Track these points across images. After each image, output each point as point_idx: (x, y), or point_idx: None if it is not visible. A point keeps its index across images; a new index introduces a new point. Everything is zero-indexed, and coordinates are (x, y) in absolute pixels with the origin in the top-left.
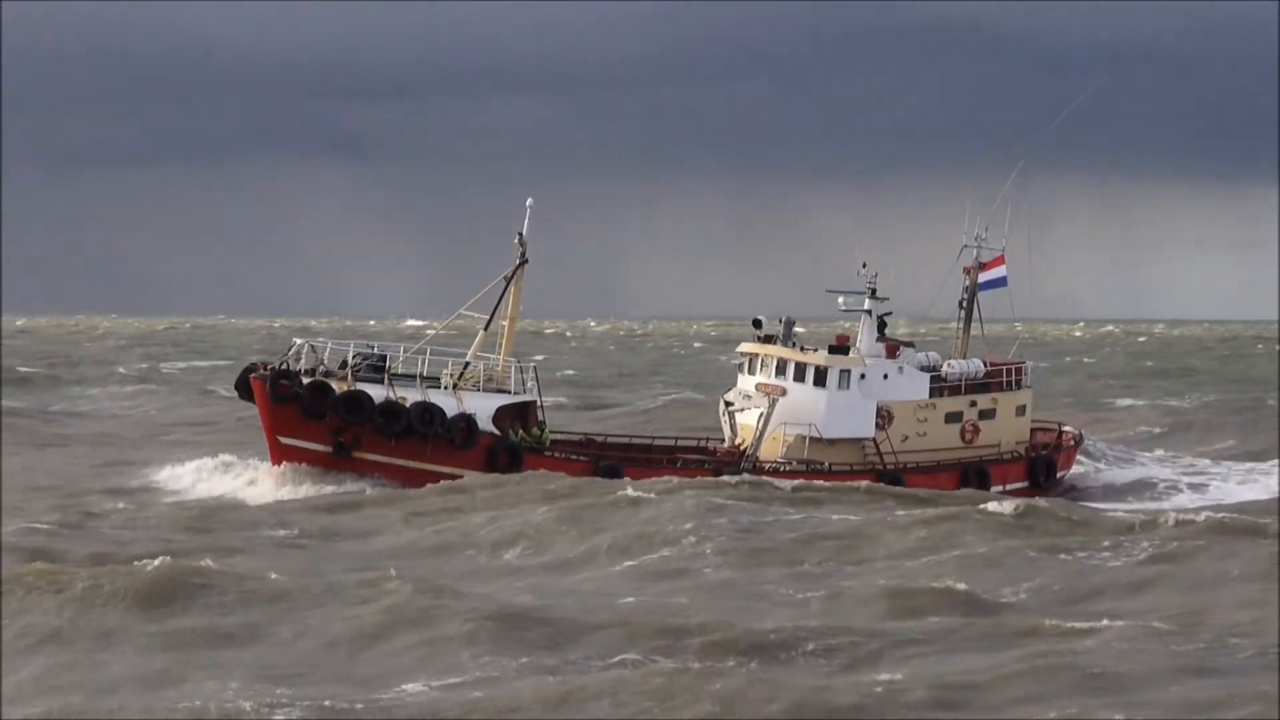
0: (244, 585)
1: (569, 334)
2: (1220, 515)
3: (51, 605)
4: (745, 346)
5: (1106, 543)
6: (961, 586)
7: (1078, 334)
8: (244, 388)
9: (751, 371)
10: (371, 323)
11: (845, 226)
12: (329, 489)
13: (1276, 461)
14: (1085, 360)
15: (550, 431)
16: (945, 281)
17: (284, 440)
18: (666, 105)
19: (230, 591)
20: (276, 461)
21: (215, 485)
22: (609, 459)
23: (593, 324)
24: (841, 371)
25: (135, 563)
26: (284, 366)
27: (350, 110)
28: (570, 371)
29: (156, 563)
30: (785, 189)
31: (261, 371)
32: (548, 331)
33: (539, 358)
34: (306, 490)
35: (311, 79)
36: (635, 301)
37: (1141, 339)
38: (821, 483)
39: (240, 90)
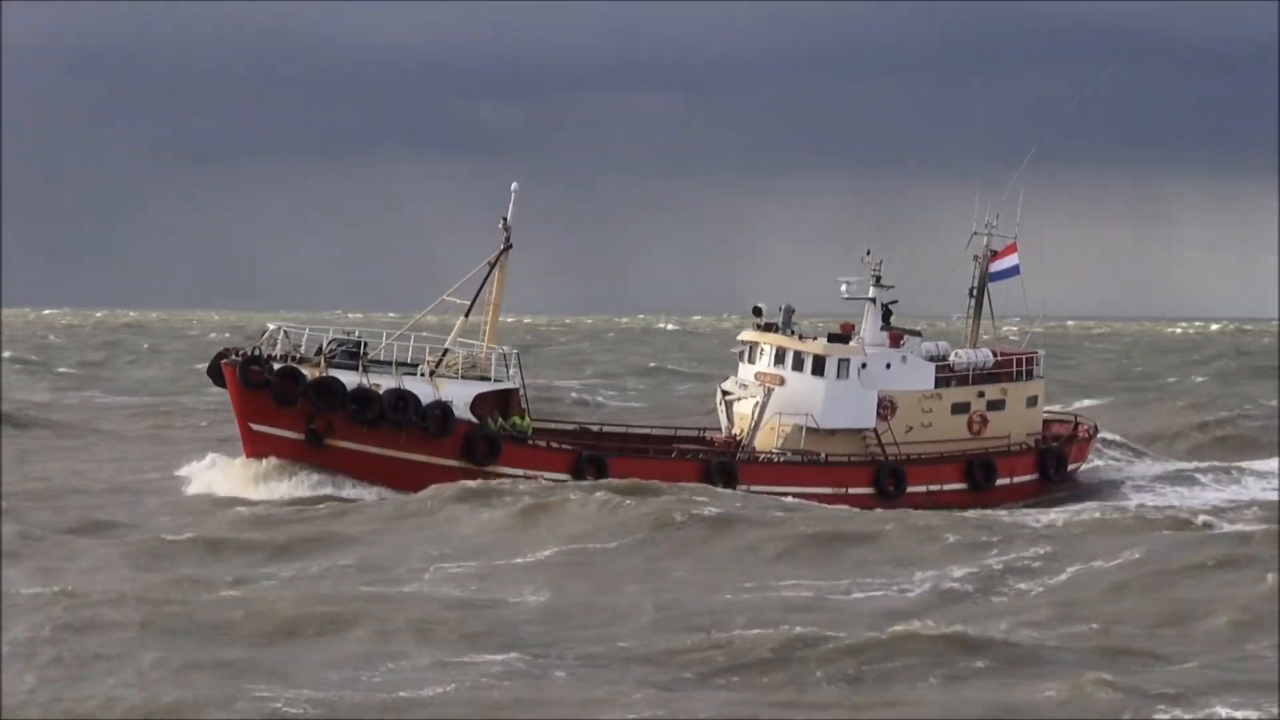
0: None
1: (698, 329)
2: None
3: None
4: (745, 335)
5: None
6: None
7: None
8: (216, 373)
9: (751, 360)
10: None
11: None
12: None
13: (1277, 461)
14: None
15: (533, 420)
16: (953, 269)
17: (255, 427)
18: (789, 104)
19: None
20: (249, 452)
21: (198, 483)
22: (593, 449)
23: (722, 319)
24: (840, 360)
25: None
26: (256, 352)
27: (470, 105)
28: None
29: None
30: (906, 189)
31: (233, 357)
32: (670, 328)
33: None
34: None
35: (431, 74)
36: (758, 296)
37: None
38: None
39: (359, 84)
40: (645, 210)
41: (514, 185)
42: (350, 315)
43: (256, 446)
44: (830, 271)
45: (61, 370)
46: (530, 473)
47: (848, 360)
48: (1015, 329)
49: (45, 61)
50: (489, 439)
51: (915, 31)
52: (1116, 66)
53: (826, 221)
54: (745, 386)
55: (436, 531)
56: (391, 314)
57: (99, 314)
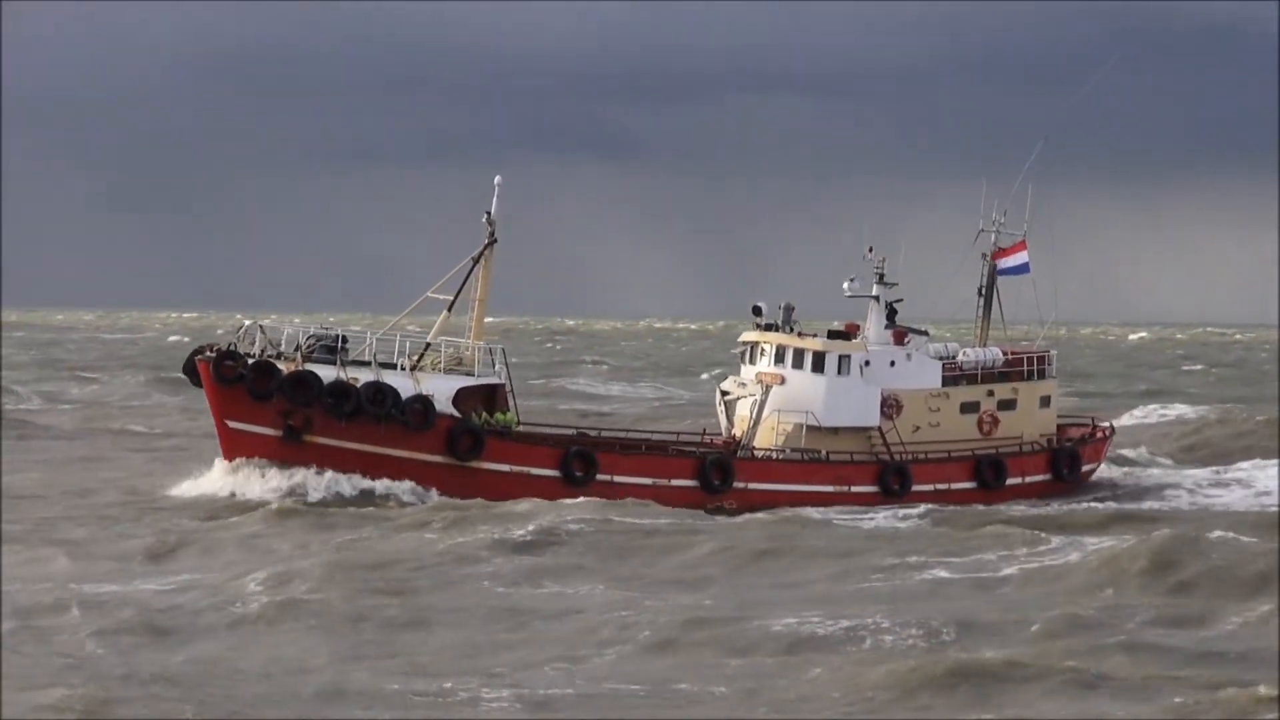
0: None
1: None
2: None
3: None
4: (745, 335)
5: None
6: None
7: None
8: (192, 372)
9: (752, 361)
10: (618, 324)
11: (1121, 234)
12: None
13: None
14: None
15: (519, 420)
16: (961, 265)
17: (232, 425)
18: (931, 109)
19: None
20: (228, 453)
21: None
22: (581, 445)
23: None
24: (840, 356)
25: None
26: (231, 348)
27: (611, 109)
28: None
29: None
30: (1058, 194)
31: (208, 354)
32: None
33: None
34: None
35: (574, 78)
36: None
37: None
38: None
39: (498, 88)
40: (786, 213)
41: (497, 179)
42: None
43: (233, 445)
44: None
45: None
46: (516, 468)
47: (848, 356)
48: (1040, 334)
49: (185, 62)
50: (472, 433)
51: (1062, 36)
52: (1118, 56)
53: (971, 228)
54: (744, 386)
55: None
56: (526, 317)
57: (237, 315)
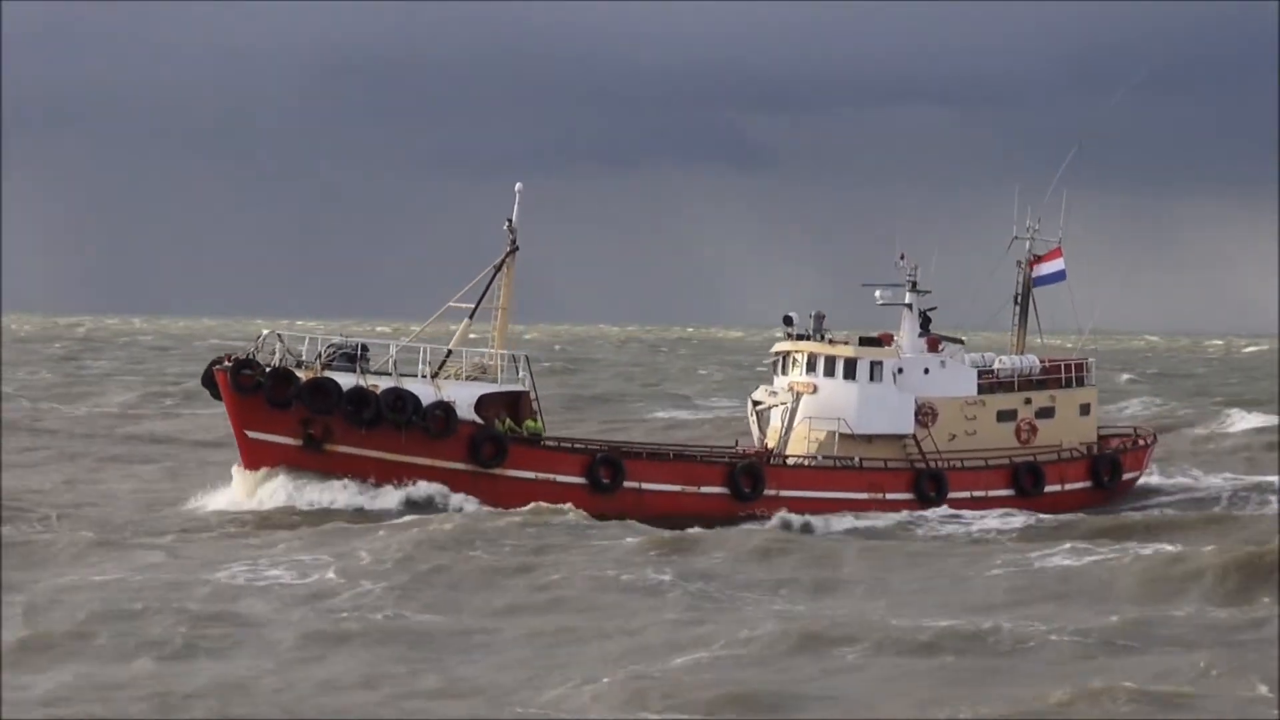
0: None
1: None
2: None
3: None
4: (778, 346)
5: None
6: None
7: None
8: (210, 383)
9: (785, 372)
10: (738, 333)
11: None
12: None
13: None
14: None
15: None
16: (994, 273)
17: (252, 435)
18: (1057, 116)
19: None
20: (248, 462)
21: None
22: (609, 452)
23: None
24: (872, 363)
25: None
26: (250, 357)
27: (739, 118)
28: None
29: None
30: (1179, 208)
31: (226, 363)
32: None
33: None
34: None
35: (709, 86)
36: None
37: None
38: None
39: (628, 96)
40: (917, 223)
41: (518, 186)
42: (610, 328)
43: (254, 454)
44: (1092, 290)
45: None
46: (541, 475)
47: (880, 363)
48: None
49: (310, 66)
50: (495, 440)
51: (1199, 41)
52: (1147, 70)
53: (1104, 238)
54: (775, 395)
55: None
56: (649, 326)
57: (356, 325)
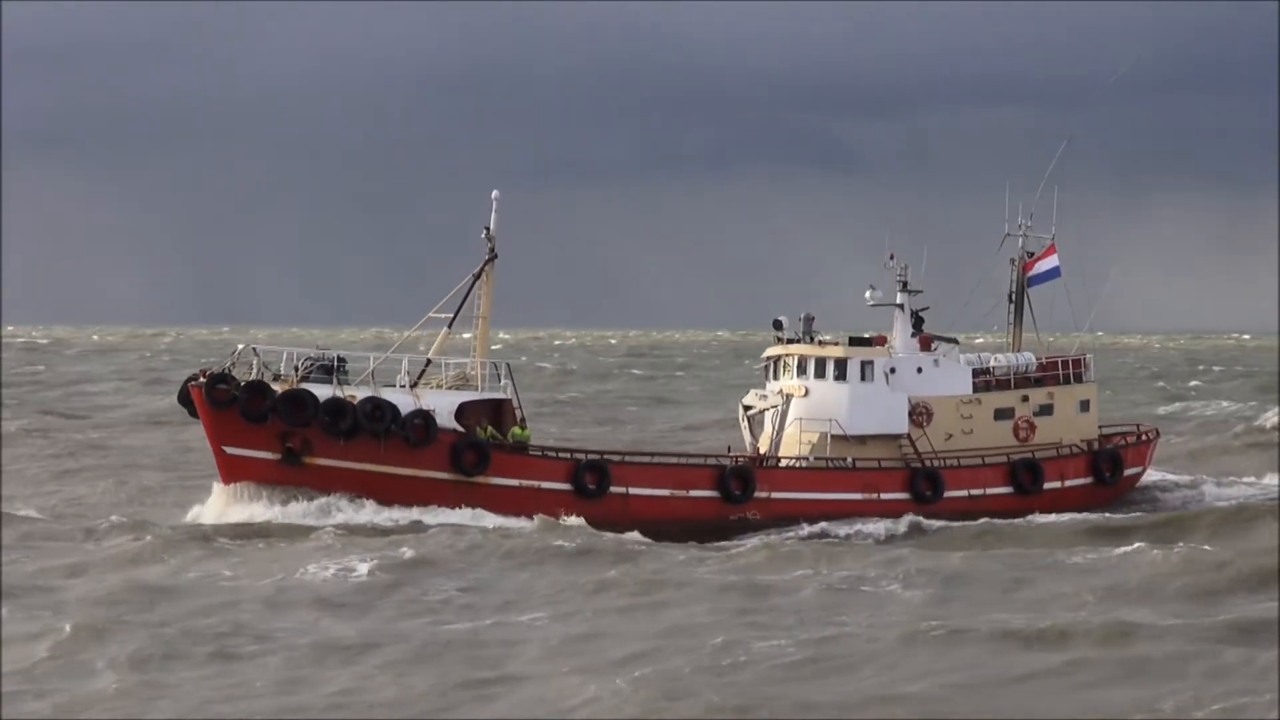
0: None
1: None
2: None
3: None
4: (769, 351)
5: None
6: None
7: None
8: (186, 401)
9: (776, 376)
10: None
11: None
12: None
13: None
14: None
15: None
16: (984, 276)
17: (229, 450)
18: (1153, 117)
19: None
20: (226, 478)
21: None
22: (594, 460)
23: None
24: (863, 363)
25: None
26: (226, 371)
27: (829, 122)
28: None
29: None
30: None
31: (200, 379)
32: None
33: None
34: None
35: (801, 92)
36: (1114, 314)
37: None
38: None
39: (717, 103)
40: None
41: (495, 194)
42: (701, 334)
43: (232, 471)
44: (1186, 294)
45: None
46: (526, 483)
47: (871, 363)
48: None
49: (412, 77)
50: (477, 448)
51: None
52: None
53: (1201, 242)
54: (765, 398)
55: None
56: (741, 332)
57: (465, 335)
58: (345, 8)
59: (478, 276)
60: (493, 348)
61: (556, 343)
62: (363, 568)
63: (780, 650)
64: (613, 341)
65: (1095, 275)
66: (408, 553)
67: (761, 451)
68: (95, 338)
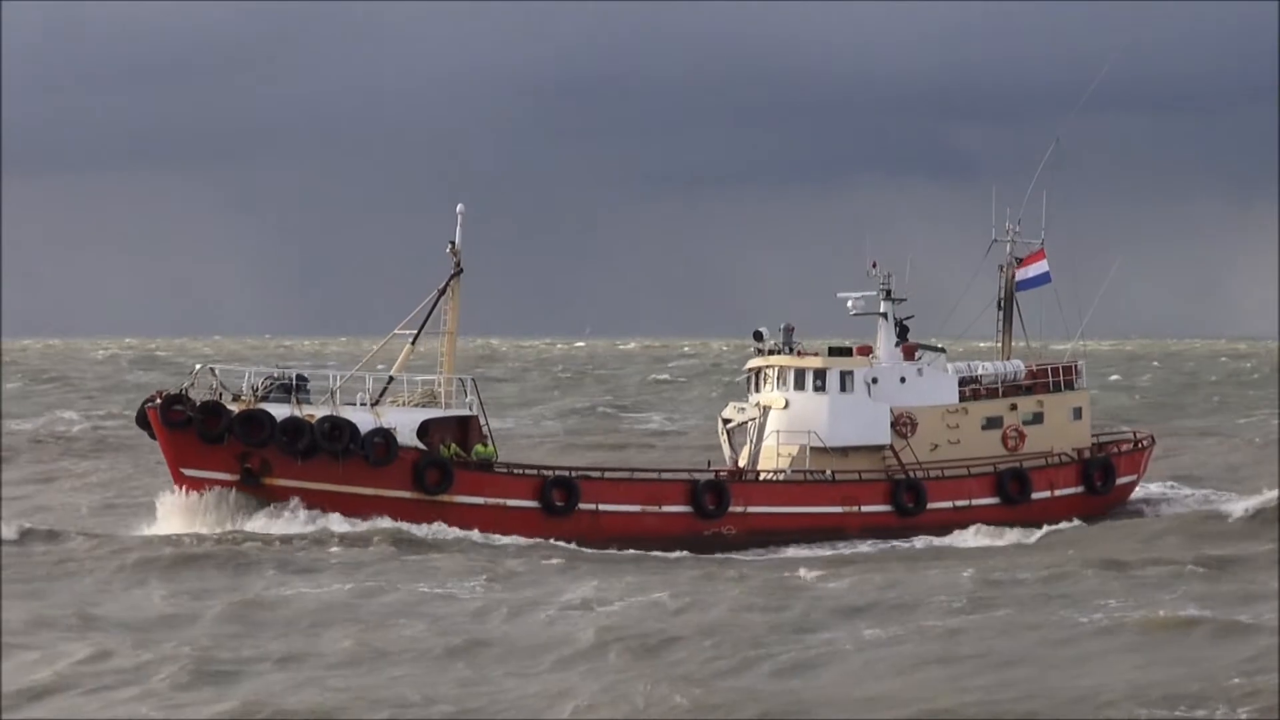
0: None
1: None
2: None
3: None
4: (751, 362)
5: None
6: None
7: None
8: (145, 423)
9: (757, 388)
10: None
11: None
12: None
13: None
14: None
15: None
16: (970, 282)
17: (187, 472)
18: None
19: None
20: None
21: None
22: (562, 476)
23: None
24: (843, 373)
25: None
26: (183, 392)
27: (943, 129)
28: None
29: None
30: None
31: (157, 400)
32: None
33: None
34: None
35: (915, 98)
36: (1234, 322)
37: None
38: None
39: (832, 109)
40: (1120, 235)
41: (460, 208)
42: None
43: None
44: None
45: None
46: (491, 501)
47: (851, 373)
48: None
49: (522, 86)
50: (439, 466)
51: None
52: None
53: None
54: (743, 411)
55: None
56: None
57: (579, 343)
58: (456, 20)
59: (443, 292)
60: (622, 347)
61: (685, 348)
62: None
63: None
64: (724, 348)
65: (1089, 279)
66: None
67: (741, 465)
68: (208, 350)
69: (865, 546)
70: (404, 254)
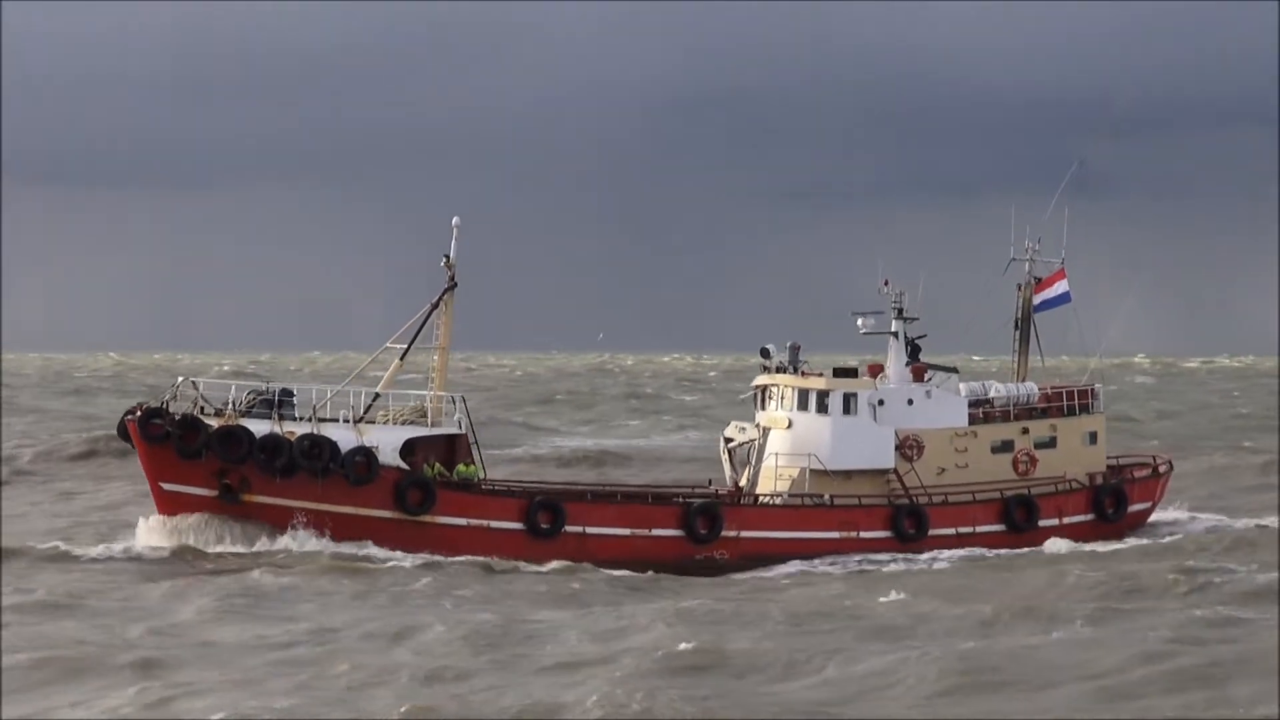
0: None
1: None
2: None
3: None
4: (758, 380)
5: None
6: None
7: None
8: (125, 434)
9: (763, 406)
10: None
11: None
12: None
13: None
14: None
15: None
16: (984, 302)
17: (166, 487)
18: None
19: None
20: (163, 510)
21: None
22: (549, 496)
23: None
24: (846, 395)
25: None
26: (164, 405)
27: (1080, 143)
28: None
29: None
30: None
31: (138, 412)
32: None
33: None
34: None
35: (1041, 111)
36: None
37: None
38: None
39: (969, 125)
40: (1247, 248)
41: (455, 220)
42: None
43: (170, 507)
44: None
45: None
46: (474, 522)
47: (855, 395)
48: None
49: (659, 99)
50: (421, 486)
51: None
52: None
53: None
54: (744, 431)
55: None
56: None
57: (713, 359)
58: (588, 34)
59: (435, 306)
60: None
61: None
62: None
63: None
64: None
65: (1109, 300)
66: None
67: (742, 485)
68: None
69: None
70: (539, 266)
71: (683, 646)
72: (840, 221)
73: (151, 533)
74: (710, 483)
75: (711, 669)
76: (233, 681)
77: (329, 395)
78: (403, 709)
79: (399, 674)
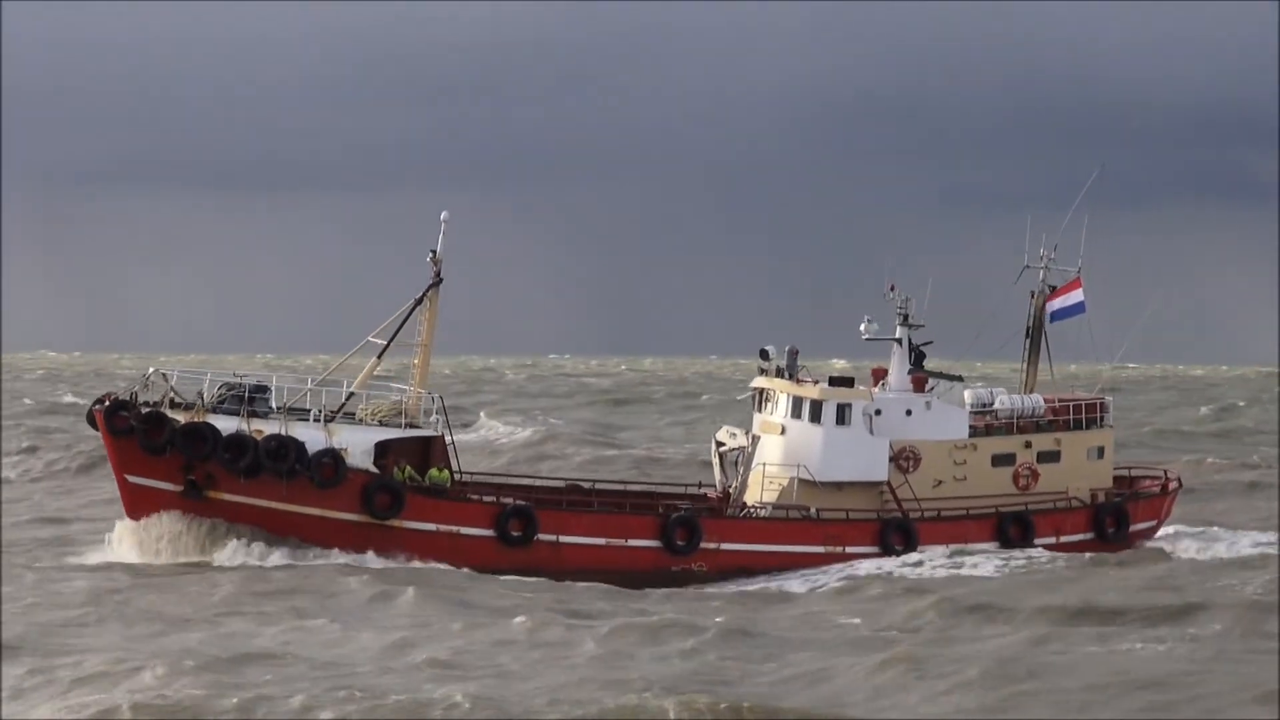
0: None
1: None
2: None
3: None
4: (755, 382)
5: None
6: None
7: None
8: (94, 422)
9: (761, 409)
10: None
11: None
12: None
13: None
14: None
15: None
16: (996, 311)
17: (132, 479)
18: None
19: None
20: (130, 510)
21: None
22: (522, 501)
23: None
24: (839, 406)
25: None
26: (132, 397)
27: (1235, 150)
28: None
29: None
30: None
31: (105, 403)
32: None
33: None
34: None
35: (1195, 118)
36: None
37: None
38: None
39: (1121, 131)
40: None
41: (444, 215)
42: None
43: (136, 501)
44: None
45: None
46: (444, 528)
47: (849, 405)
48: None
49: (813, 105)
50: (389, 489)
51: None
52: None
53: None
54: (735, 436)
55: None
56: (1141, 365)
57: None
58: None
59: (419, 302)
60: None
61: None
62: None
63: None
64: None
65: (1126, 310)
66: None
67: (729, 491)
68: (509, 374)
69: None
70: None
71: None
72: (1004, 226)
73: (120, 543)
74: (699, 484)
75: None
76: None
77: (285, 390)
78: None
79: None
